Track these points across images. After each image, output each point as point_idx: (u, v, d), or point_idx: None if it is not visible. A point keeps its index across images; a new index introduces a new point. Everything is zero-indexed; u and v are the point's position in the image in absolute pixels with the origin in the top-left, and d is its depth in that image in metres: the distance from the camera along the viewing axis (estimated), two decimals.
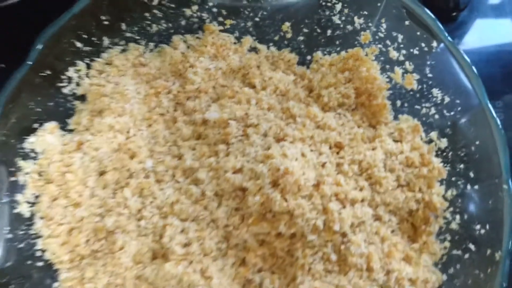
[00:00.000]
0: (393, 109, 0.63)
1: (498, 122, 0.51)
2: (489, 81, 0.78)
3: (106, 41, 0.63)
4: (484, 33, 0.81)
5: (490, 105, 0.51)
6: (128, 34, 0.64)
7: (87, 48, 0.62)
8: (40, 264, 0.57)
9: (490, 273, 0.50)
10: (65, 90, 0.62)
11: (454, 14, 0.81)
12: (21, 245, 0.56)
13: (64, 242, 0.58)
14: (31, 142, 0.59)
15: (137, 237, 0.59)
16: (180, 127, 0.64)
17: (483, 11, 0.83)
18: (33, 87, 0.58)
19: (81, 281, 0.57)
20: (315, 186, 0.57)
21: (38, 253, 0.57)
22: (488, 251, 0.51)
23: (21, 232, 0.57)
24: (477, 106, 0.53)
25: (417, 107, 0.61)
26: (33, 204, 0.58)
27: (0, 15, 0.71)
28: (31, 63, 0.56)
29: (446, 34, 0.53)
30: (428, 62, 0.57)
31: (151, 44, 0.66)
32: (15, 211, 0.57)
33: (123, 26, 0.63)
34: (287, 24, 0.66)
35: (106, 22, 0.61)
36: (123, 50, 0.65)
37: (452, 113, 0.57)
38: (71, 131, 0.63)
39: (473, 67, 0.52)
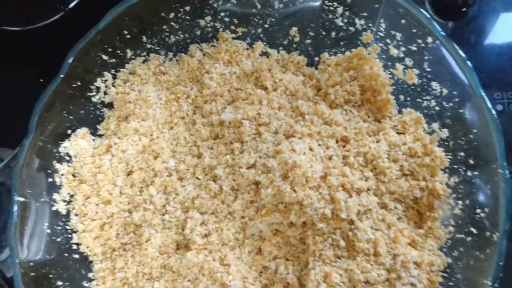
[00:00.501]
0: (397, 103, 0.66)
1: (493, 111, 0.54)
2: (500, 73, 0.81)
3: (129, 53, 0.69)
4: (495, 27, 0.84)
5: (484, 95, 0.54)
6: (149, 46, 0.70)
7: (112, 60, 0.68)
8: (76, 256, 0.63)
9: (489, 253, 0.53)
10: (94, 99, 0.68)
11: (463, 10, 0.83)
12: (59, 239, 0.63)
13: (97, 236, 0.65)
14: (65, 146, 0.65)
15: (162, 230, 0.64)
16: (198, 128, 0.69)
17: (493, 6, 0.85)
18: (65, 97, 0.64)
19: (112, 271, 0.64)
20: (322, 178, 0.61)
21: (74, 247, 0.64)
22: (487, 233, 0.54)
23: (59, 228, 0.63)
24: (473, 97, 0.56)
25: (419, 100, 0.64)
26: (68, 202, 0.65)
27: (37, 35, 0.78)
28: (63, 75, 0.63)
29: (440, 30, 0.56)
30: (426, 57, 0.60)
31: (170, 54, 0.72)
32: (53, 208, 0.63)
33: (144, 39, 0.69)
34: (294, 29, 0.70)
35: (128, 36, 0.67)
36: (145, 60, 0.71)
37: (451, 104, 0.60)
38: (100, 135, 0.69)
39: (467, 61, 0.55)
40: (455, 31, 0.82)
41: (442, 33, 0.56)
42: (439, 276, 0.57)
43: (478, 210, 0.56)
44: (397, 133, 0.65)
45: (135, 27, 0.67)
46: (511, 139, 0.68)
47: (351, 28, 0.67)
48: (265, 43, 0.73)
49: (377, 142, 0.64)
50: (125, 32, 0.67)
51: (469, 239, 0.56)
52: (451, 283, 0.56)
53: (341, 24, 0.67)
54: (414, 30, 0.60)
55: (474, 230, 0.56)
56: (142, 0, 0.63)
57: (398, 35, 0.63)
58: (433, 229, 0.60)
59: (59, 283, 0.60)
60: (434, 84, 0.61)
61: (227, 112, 0.68)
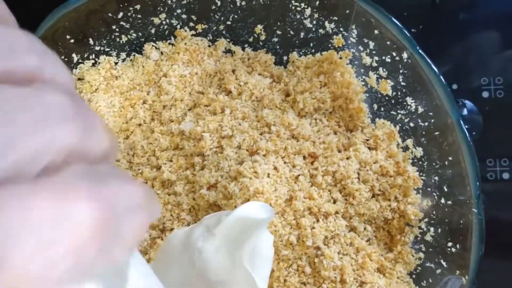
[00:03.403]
0: (371, 112, 0.61)
1: (470, 142, 0.49)
2: (488, 56, 0.75)
3: (75, 57, 0.62)
4: None
5: (462, 124, 0.49)
6: (97, 48, 0.63)
7: None
8: None
9: None
10: None
11: None
12: None
13: None
14: None
15: None
16: (157, 137, 0.64)
17: None
18: None
19: None
20: (287, 201, 0.57)
21: None
22: (457, 272, 0.51)
23: None
24: (448, 122, 0.50)
25: (393, 112, 0.59)
26: None
27: None
28: None
29: (416, 47, 0.50)
30: (401, 71, 0.55)
31: (123, 54, 0.65)
32: None
33: (91, 41, 0.62)
34: (260, 26, 0.63)
35: (72, 40, 0.60)
36: (94, 64, 0.64)
37: (426, 123, 0.55)
38: None
39: (444, 82, 0.49)
40: (443, 7, 0.75)
41: (420, 51, 0.49)
42: None
43: (449, 244, 0.52)
44: (369, 148, 0.60)
45: (78, 30, 0.60)
46: (498, 128, 0.64)
47: (321, 30, 0.60)
48: (228, 39, 0.66)
49: (347, 159, 0.59)
50: (68, 37, 0.59)
51: (438, 271, 0.54)
52: None
53: (309, 25, 0.60)
54: (388, 42, 0.53)
55: (444, 264, 0.53)
56: (82, 4, 0.55)
57: (371, 44, 0.56)
58: (402, 254, 0.57)
59: None
60: (409, 100, 0.56)
61: (187, 121, 0.63)
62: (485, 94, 0.70)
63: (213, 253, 0.51)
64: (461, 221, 0.51)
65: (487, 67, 0.72)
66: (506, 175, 0.66)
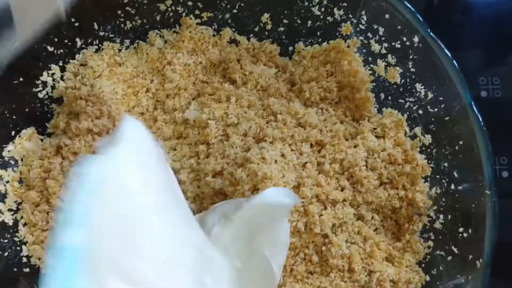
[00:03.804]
0: (377, 102, 0.61)
1: (482, 124, 0.48)
2: (486, 57, 0.76)
3: (78, 42, 0.61)
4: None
5: (473, 105, 0.49)
6: (102, 33, 0.62)
7: (60, 51, 0.60)
8: (26, 270, 0.58)
9: (471, 279, 0.49)
10: (41, 95, 0.61)
11: None
12: (6, 253, 0.57)
13: None
14: (9, 150, 0.59)
15: None
16: (160, 126, 0.63)
17: None
18: (6, 95, 0.57)
19: None
20: (295, 188, 0.56)
21: (24, 259, 0.58)
22: (470, 257, 0.50)
23: (5, 241, 0.57)
24: (460, 106, 0.50)
25: (401, 101, 0.58)
26: (15, 211, 0.59)
27: None
28: (2, 72, 0.55)
29: (428, 30, 0.50)
30: (411, 57, 0.55)
31: (127, 41, 0.64)
32: None
33: (95, 26, 0.61)
34: (266, 15, 0.63)
35: (76, 24, 0.59)
36: (98, 50, 0.63)
37: (435, 109, 0.55)
38: (50, 134, 0.62)
39: (457, 66, 0.49)
40: (440, 11, 0.76)
41: (431, 34, 0.49)
42: None
43: (461, 229, 0.52)
44: (376, 136, 0.60)
45: (82, 14, 0.59)
46: (496, 127, 0.64)
47: (329, 18, 0.60)
48: (233, 29, 0.65)
49: (355, 147, 0.59)
50: (72, 20, 0.58)
51: (449, 258, 0.53)
52: None
53: (318, 13, 0.60)
54: (399, 27, 0.53)
55: (455, 250, 0.52)
56: None
57: (381, 30, 0.56)
58: (411, 243, 0.57)
59: None
60: (419, 86, 0.56)
61: (192, 109, 0.62)
62: (484, 94, 0.70)
63: (230, 241, 0.50)
64: (473, 205, 0.50)
65: (484, 68, 0.73)
66: (505, 173, 0.67)
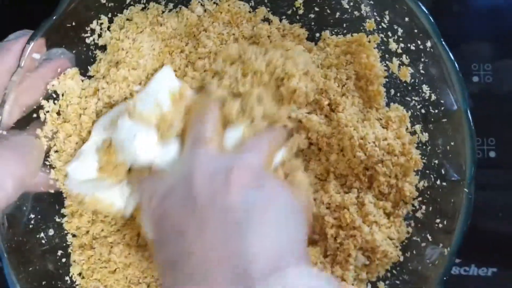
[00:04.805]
0: (387, 96, 0.66)
1: (473, 130, 0.54)
2: (479, 43, 0.81)
3: None
4: None
5: (468, 113, 0.54)
6: None
7: (111, 4, 0.67)
8: (50, 191, 0.66)
9: (437, 264, 0.55)
10: (88, 40, 0.67)
11: None
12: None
13: None
14: (53, 84, 0.66)
15: None
16: (188, 81, 0.68)
17: None
18: (58, 36, 0.64)
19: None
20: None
21: (50, 182, 0.66)
22: (440, 245, 0.56)
23: None
24: (457, 112, 0.56)
25: (408, 99, 0.64)
26: (50, 139, 0.66)
27: None
28: (58, 15, 0.62)
29: (441, 38, 0.55)
30: (422, 59, 0.60)
31: (171, 5, 0.70)
32: None
33: None
34: (300, 1, 0.69)
35: None
36: (143, 8, 0.70)
37: (436, 111, 0.60)
38: (90, 77, 0.69)
39: (460, 75, 0.54)
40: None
41: (443, 42, 0.54)
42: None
43: (438, 220, 0.58)
44: (381, 127, 0.65)
45: None
46: (485, 112, 0.73)
47: (356, 13, 0.65)
48: (268, 9, 0.71)
49: (364, 127, 0.64)
50: None
51: (423, 244, 0.59)
52: (397, 282, 0.59)
53: (346, 6, 0.65)
54: (416, 30, 0.58)
55: (429, 238, 0.58)
56: None
57: (400, 31, 0.61)
58: (395, 223, 0.62)
59: (32, 216, 0.63)
60: (425, 88, 0.61)
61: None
62: (475, 79, 0.78)
63: None
64: (452, 200, 0.56)
65: (477, 54, 0.80)
66: (492, 154, 0.75)
